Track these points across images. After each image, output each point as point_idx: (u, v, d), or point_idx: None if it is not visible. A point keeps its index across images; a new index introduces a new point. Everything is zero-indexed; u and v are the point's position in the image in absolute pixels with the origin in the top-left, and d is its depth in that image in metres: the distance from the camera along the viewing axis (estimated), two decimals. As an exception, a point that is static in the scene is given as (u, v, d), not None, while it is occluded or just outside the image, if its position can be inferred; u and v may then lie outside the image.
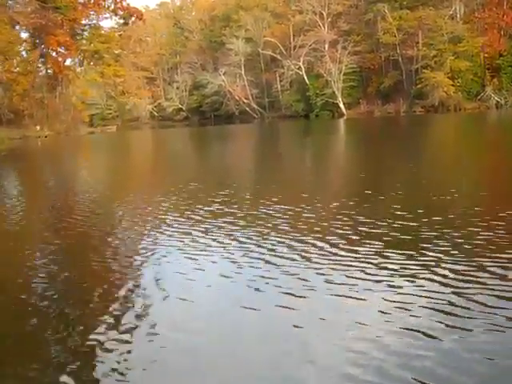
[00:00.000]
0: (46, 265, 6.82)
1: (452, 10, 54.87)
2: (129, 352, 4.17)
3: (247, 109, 71.95)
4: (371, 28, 60.68)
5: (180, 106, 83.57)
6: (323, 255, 6.25)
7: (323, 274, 5.58)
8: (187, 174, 16.80)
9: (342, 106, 60.82)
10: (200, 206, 9.94)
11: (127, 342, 4.33)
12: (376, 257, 6.00)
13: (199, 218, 8.98)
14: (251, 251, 6.63)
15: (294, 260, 6.14)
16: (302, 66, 63.08)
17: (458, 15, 55.68)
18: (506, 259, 5.64)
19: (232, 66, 71.67)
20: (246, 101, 71.72)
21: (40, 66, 57.97)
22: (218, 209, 9.67)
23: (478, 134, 27.40)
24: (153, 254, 6.89)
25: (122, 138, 52.92)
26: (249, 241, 7.17)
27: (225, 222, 8.42)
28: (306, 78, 63.06)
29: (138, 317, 4.82)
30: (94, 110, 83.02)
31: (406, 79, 57.17)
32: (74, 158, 29.98)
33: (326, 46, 61.86)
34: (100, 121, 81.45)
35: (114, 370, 3.90)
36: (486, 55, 51.99)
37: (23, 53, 56.05)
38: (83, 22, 57.87)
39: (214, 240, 7.35)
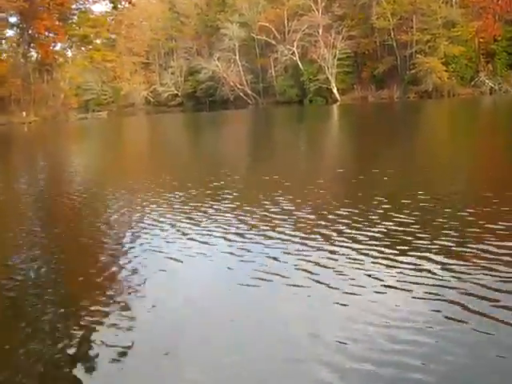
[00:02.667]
0: (32, 248, 6.74)
1: (446, -7, 53.83)
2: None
3: (241, 94, 71.18)
4: (365, 12, 59.62)
5: (175, 91, 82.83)
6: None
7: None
8: (180, 160, 16.90)
9: (335, 91, 60.05)
10: (192, 190, 10.04)
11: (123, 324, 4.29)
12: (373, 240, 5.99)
13: (192, 200, 9.00)
14: (246, 233, 6.65)
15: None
16: (296, 52, 62.22)
17: (453, -1, 54.61)
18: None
19: (226, 52, 70.78)
20: (240, 86, 70.91)
21: (31, 50, 57.40)
22: (210, 192, 9.66)
23: (471, 120, 26.94)
24: (144, 237, 6.84)
25: (112, 124, 52.30)
26: (242, 223, 7.14)
27: (217, 205, 8.43)
28: (299, 63, 62.21)
29: (132, 300, 4.76)
30: (89, 96, 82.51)
31: (401, 65, 56.35)
32: (57, 144, 29.68)
33: (320, 31, 60.87)
34: (95, 106, 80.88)
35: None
36: (480, 40, 51.04)
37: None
38: (73, 6, 56.94)
39: (206, 221, 7.37)
